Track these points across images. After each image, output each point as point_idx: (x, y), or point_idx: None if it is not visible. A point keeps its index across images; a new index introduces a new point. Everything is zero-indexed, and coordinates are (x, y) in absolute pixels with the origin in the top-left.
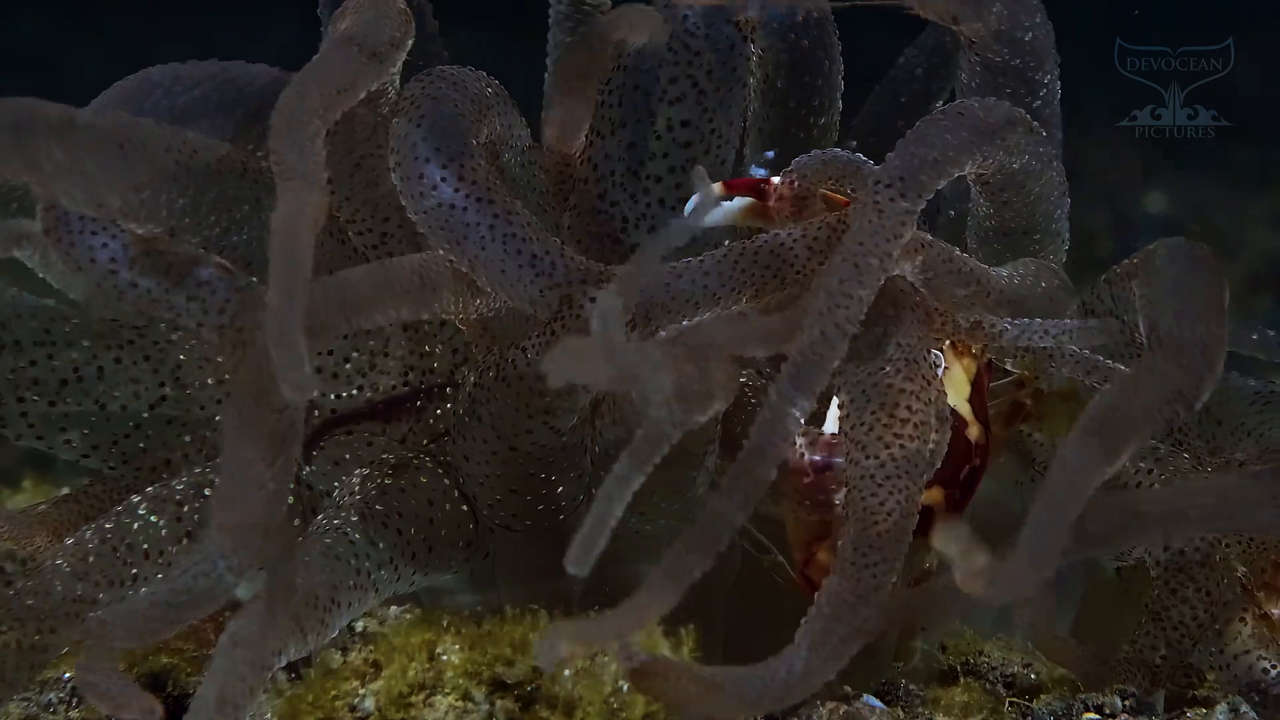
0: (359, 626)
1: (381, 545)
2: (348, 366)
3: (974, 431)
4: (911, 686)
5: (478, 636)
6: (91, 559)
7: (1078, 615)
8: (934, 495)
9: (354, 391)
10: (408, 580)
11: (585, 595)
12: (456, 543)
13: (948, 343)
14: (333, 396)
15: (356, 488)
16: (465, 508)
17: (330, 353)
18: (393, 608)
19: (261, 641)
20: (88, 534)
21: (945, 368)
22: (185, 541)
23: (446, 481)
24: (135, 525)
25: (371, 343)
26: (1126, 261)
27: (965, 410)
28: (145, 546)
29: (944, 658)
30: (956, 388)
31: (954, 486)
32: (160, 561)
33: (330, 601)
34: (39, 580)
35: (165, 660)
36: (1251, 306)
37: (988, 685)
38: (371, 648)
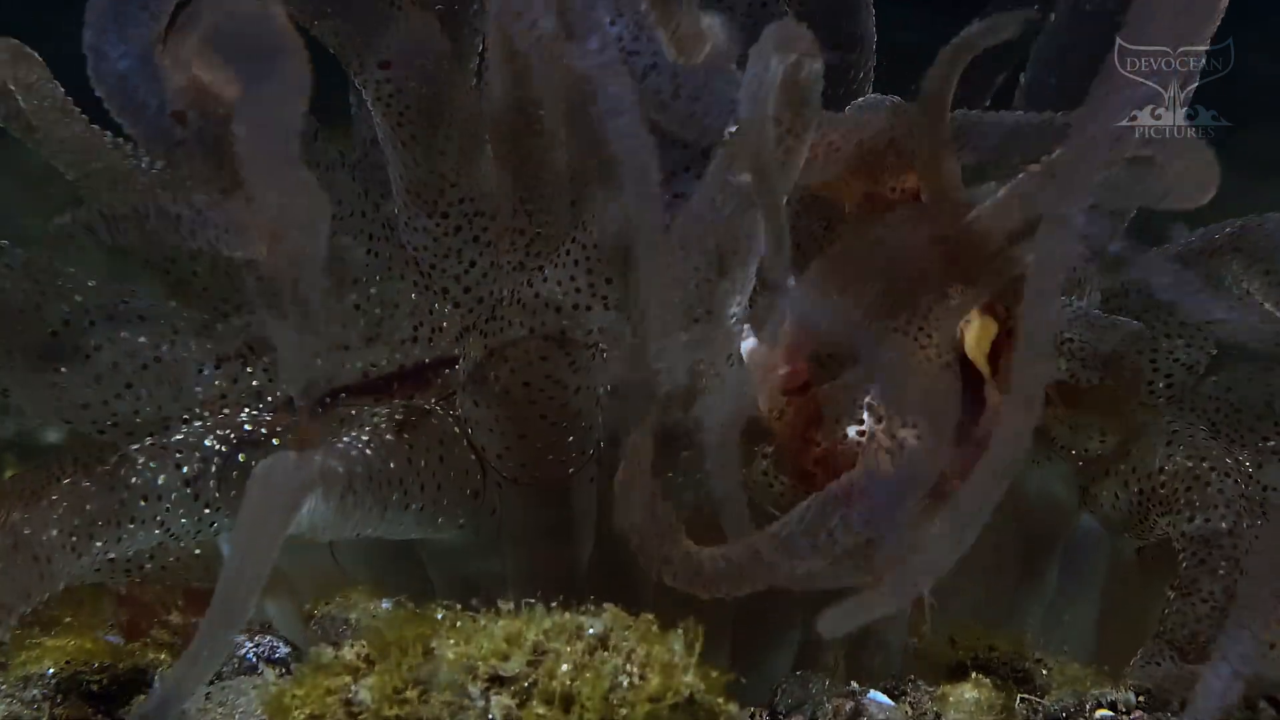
0: (351, 619)
1: (393, 465)
2: (353, 334)
3: (993, 395)
4: (920, 682)
5: (473, 631)
6: (89, 506)
7: (1101, 597)
8: None
9: (356, 363)
10: (416, 518)
11: (592, 567)
12: (464, 489)
13: None
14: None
15: (368, 425)
16: (474, 457)
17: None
18: (386, 602)
19: (292, 479)
20: (83, 481)
21: (967, 320)
22: (186, 490)
23: (456, 430)
24: (133, 475)
25: (378, 309)
26: (1200, 240)
27: (985, 368)
28: (144, 494)
29: (954, 652)
30: (977, 341)
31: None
32: (160, 506)
33: (347, 488)
34: (35, 514)
35: (151, 656)
36: None
37: (998, 681)
38: (364, 642)
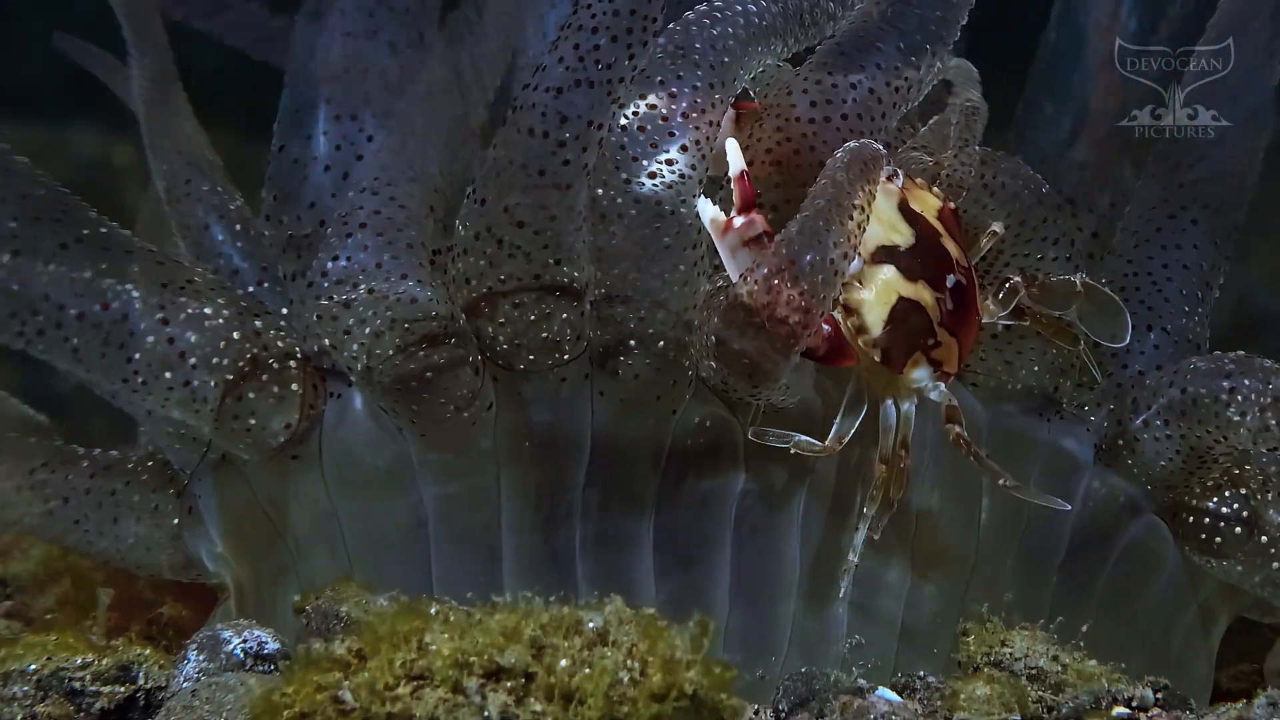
0: (343, 612)
1: None
2: None
3: (951, 246)
4: (930, 679)
5: (468, 625)
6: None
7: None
8: (923, 294)
9: None
10: None
11: (588, 486)
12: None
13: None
14: None
15: None
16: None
17: None
18: (380, 597)
19: None
20: None
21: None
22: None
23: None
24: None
25: None
26: None
27: (936, 225)
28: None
29: (966, 646)
30: (924, 204)
31: (941, 290)
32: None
33: None
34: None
35: (136, 651)
36: None
37: (1011, 678)
38: (355, 637)
